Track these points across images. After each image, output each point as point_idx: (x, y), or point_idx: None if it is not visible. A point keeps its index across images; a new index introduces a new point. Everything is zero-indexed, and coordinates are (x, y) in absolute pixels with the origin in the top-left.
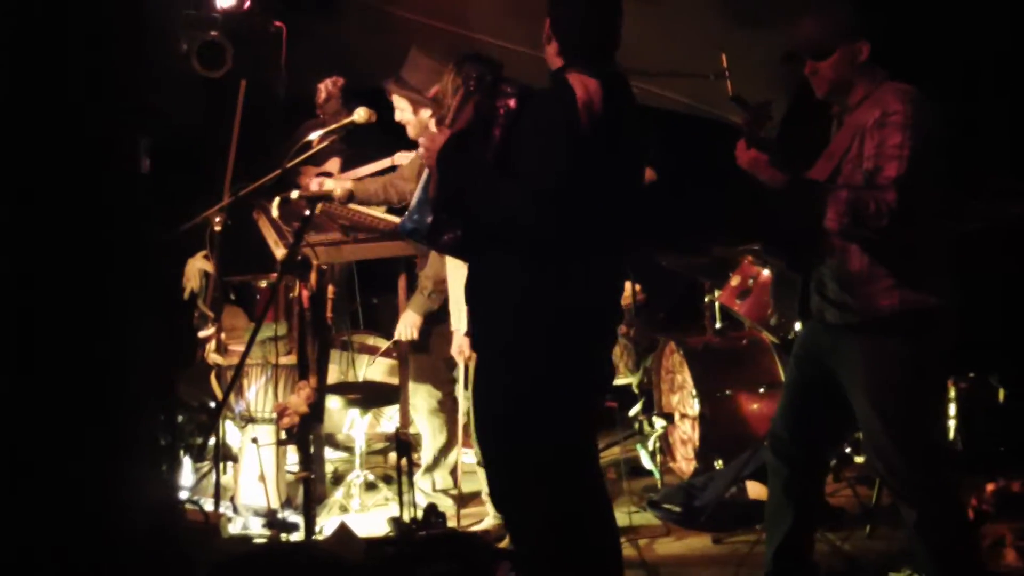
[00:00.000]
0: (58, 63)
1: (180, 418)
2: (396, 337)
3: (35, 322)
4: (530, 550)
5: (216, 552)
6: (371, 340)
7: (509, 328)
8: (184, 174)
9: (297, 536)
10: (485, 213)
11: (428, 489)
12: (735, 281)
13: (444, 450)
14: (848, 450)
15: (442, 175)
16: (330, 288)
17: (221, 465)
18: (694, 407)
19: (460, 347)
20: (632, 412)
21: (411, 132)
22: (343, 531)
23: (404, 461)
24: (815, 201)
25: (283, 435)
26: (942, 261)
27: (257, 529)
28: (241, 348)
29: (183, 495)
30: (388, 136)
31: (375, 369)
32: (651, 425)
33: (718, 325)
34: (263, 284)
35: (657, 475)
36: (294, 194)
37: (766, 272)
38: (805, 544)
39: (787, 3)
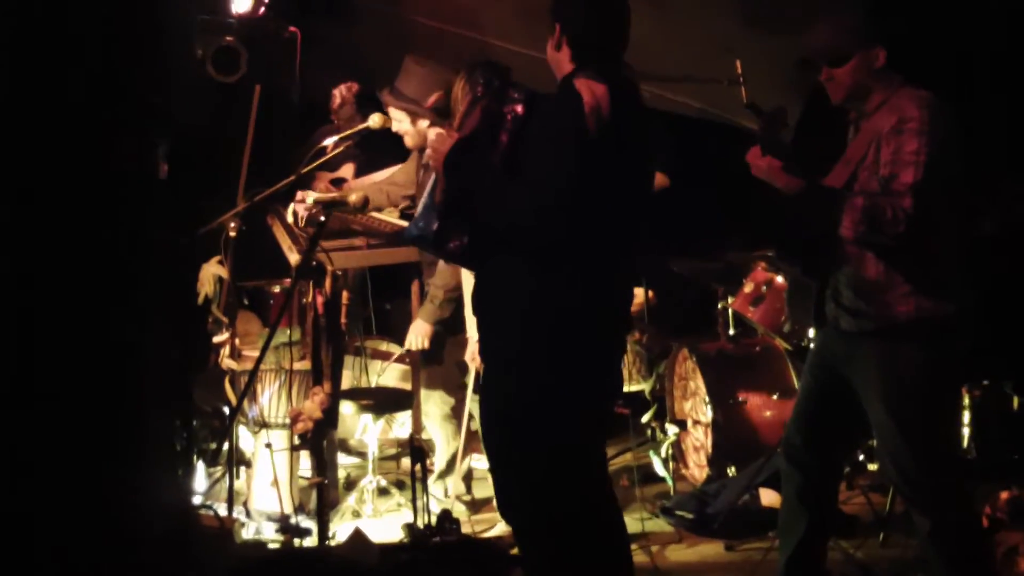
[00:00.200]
0: (58, 64)
1: (194, 423)
2: (407, 346)
3: (41, 324)
4: (538, 557)
5: (230, 557)
6: (384, 345)
7: (516, 334)
8: (198, 179)
9: (310, 541)
10: (492, 218)
11: (441, 495)
12: (748, 288)
13: (457, 456)
14: (861, 457)
15: (449, 180)
16: (344, 294)
17: (234, 470)
18: (707, 414)
19: (473, 354)
20: (645, 418)
21: (409, 142)
22: (358, 537)
23: (418, 467)
24: (831, 208)
25: (297, 440)
26: (958, 267)
27: (270, 534)
28: (255, 353)
29: (197, 500)
30: (403, 141)
31: (388, 375)
32: (664, 431)
33: (731, 332)
34: (277, 289)
35: (670, 482)
36: (309, 200)
37: (779, 279)
38: (819, 552)
39: (799, 8)
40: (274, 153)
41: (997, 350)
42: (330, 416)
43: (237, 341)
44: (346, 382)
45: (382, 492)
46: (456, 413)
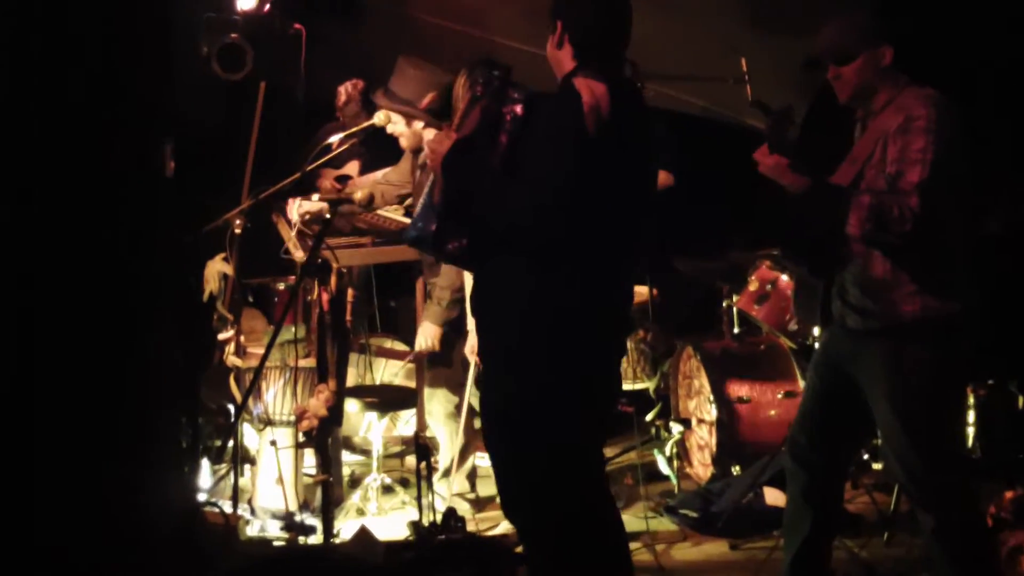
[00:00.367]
0: (58, 64)
1: (199, 420)
2: (416, 348)
3: (41, 324)
4: (540, 555)
5: (235, 554)
6: (389, 343)
7: (515, 334)
8: (204, 176)
9: (315, 539)
10: (492, 218)
11: (445, 493)
12: (753, 286)
13: (461, 454)
14: (866, 456)
15: (447, 180)
16: (349, 291)
17: (239, 467)
18: (711, 412)
19: (472, 347)
20: (649, 417)
21: (404, 144)
22: (363, 535)
23: (423, 465)
24: (837, 206)
25: (301, 438)
26: (964, 266)
27: (275, 532)
28: (260, 350)
29: (202, 497)
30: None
31: (391, 372)
32: (668, 430)
33: (736, 330)
34: (282, 287)
35: (674, 480)
36: (314, 197)
37: (784, 277)
38: (823, 551)
39: (803, 8)
40: (279, 150)
41: (1002, 349)
42: (335, 413)
43: (242, 338)
44: (351, 380)
45: (386, 490)
46: (460, 411)
